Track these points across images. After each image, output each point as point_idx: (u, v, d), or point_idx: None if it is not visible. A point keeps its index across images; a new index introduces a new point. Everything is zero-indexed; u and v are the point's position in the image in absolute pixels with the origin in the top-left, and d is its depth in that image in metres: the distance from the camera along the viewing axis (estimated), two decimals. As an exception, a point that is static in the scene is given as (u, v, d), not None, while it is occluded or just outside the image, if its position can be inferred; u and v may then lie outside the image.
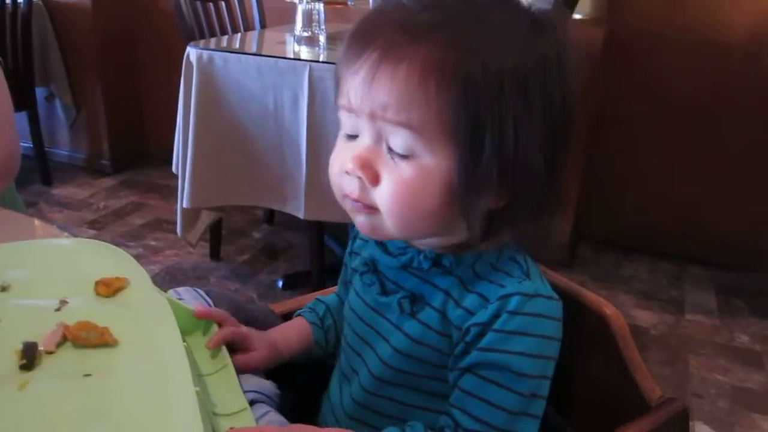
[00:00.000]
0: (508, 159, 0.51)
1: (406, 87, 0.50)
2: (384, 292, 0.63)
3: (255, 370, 0.65)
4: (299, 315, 0.76)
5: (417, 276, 0.61)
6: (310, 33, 1.97)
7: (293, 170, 1.86)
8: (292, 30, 2.14)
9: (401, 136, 0.52)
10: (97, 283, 0.58)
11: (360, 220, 0.58)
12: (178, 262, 2.48)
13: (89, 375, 0.48)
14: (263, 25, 2.63)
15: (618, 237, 2.72)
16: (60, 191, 3.12)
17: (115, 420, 0.44)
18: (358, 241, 0.71)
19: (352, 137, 0.56)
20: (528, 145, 0.52)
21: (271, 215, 2.82)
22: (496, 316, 0.54)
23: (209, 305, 0.70)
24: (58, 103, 3.28)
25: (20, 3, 2.83)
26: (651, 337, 2.17)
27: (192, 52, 1.91)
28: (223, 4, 2.45)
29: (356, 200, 0.56)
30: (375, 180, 0.54)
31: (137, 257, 2.52)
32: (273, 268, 2.48)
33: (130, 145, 3.40)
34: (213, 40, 2.20)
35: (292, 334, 0.72)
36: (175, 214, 2.11)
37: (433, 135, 0.51)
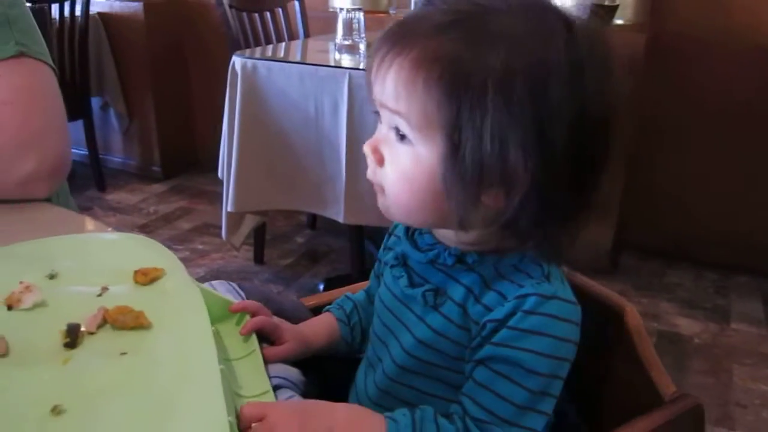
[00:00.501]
0: (488, 157, 0.53)
1: (398, 79, 0.55)
2: (411, 284, 0.66)
3: (284, 361, 0.68)
4: (328, 311, 0.79)
5: (442, 271, 0.64)
6: (350, 41, 2.02)
7: (333, 175, 1.91)
8: (334, 39, 2.19)
9: (402, 123, 0.57)
10: (135, 273, 0.63)
11: (379, 201, 0.63)
12: (223, 265, 2.56)
13: (125, 353, 0.52)
14: (307, 35, 2.69)
15: (662, 245, 2.68)
16: (113, 196, 3.25)
17: (146, 392, 0.48)
18: (392, 238, 0.74)
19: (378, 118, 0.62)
20: (509, 149, 0.52)
21: (313, 220, 2.88)
22: (511, 314, 0.56)
23: (242, 297, 0.74)
24: (112, 111, 3.42)
25: (78, 16, 2.97)
26: (694, 346, 2.14)
27: (237, 61, 1.98)
28: (268, 14, 2.52)
29: (370, 179, 0.62)
30: (381, 161, 0.60)
31: (184, 260, 2.60)
32: (315, 271, 2.53)
33: (180, 152, 3.51)
34: (258, 50, 2.27)
35: (320, 329, 0.76)
36: (221, 218, 2.18)
37: (421, 125, 0.55)
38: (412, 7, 2.62)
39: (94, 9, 3.14)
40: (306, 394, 0.65)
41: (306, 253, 2.69)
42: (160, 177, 3.42)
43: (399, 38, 0.56)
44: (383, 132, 0.60)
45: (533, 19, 0.55)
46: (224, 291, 0.74)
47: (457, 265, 0.62)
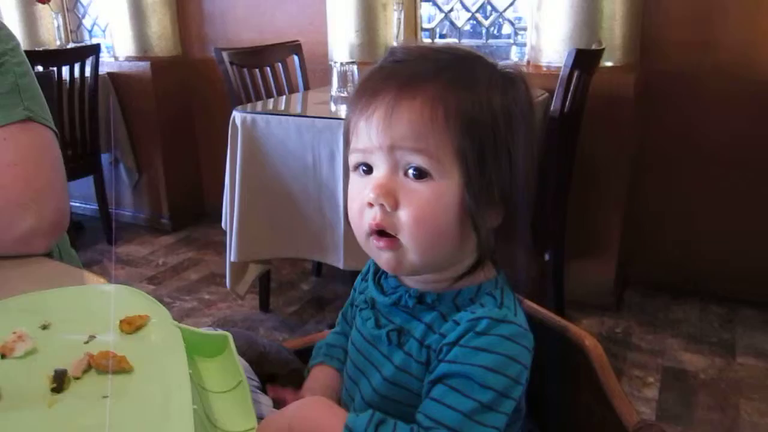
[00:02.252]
0: (506, 177, 0.62)
1: (421, 118, 0.60)
2: (377, 325, 0.70)
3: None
4: (321, 363, 0.80)
5: (405, 312, 0.68)
6: (345, 93, 2.09)
7: (332, 223, 1.96)
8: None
9: (417, 162, 0.60)
10: (121, 322, 0.67)
11: (385, 258, 0.64)
12: (229, 314, 2.59)
13: (106, 396, 0.56)
14: (306, 87, 2.78)
15: (666, 281, 2.69)
16: (123, 249, 3.31)
17: (124, 432, 0.52)
18: (363, 283, 0.78)
19: (368, 173, 0.64)
20: (520, 166, 0.63)
21: (319, 267, 2.92)
22: (463, 334, 0.60)
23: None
24: (122, 167, 3.52)
25: (88, 77, 3.09)
26: (700, 381, 2.13)
27: (237, 116, 2.06)
28: (268, 69, 2.62)
29: (378, 226, 0.62)
30: (395, 205, 0.61)
31: (192, 310, 2.64)
32: (320, 318, 2.55)
33: (188, 204, 3.59)
34: (258, 104, 2.36)
35: (334, 384, 0.78)
36: (225, 268, 2.23)
37: (443, 158, 0.60)
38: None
39: (103, 69, 3.27)
40: None
41: (312, 300, 2.72)
42: (169, 229, 3.49)
43: (404, 83, 0.61)
44: (386, 175, 0.61)
45: (493, 69, 0.65)
46: (210, 336, 0.78)
47: (417, 306, 0.67)
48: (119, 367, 0.59)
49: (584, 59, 2.00)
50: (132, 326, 0.67)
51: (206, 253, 3.22)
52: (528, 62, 2.67)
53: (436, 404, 0.60)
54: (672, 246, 2.67)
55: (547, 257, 2.32)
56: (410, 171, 0.61)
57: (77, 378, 0.59)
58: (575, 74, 1.98)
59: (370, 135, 0.61)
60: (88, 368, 0.60)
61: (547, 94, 2.39)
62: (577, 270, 2.55)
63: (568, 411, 0.74)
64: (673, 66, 2.49)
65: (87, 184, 3.25)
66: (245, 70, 2.46)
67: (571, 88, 1.99)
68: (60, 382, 0.57)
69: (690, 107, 2.50)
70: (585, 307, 2.57)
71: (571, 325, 0.73)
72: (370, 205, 0.62)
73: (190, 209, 3.60)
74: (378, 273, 0.72)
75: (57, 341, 0.65)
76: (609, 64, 2.38)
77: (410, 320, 0.67)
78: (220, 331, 0.67)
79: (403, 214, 0.61)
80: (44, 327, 0.69)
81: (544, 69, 2.52)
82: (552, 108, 1.97)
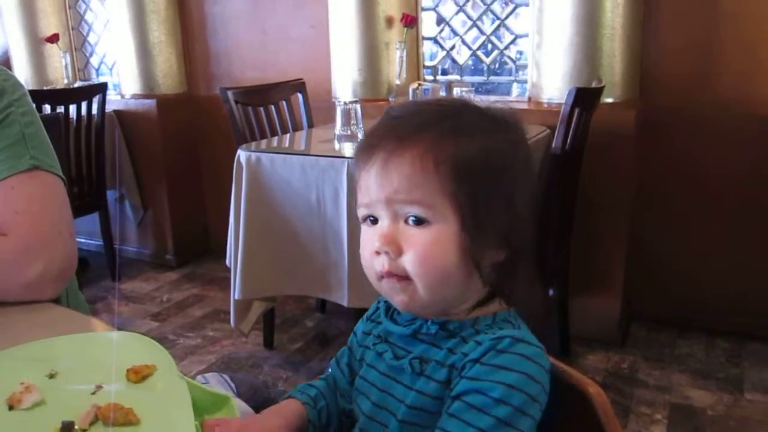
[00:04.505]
0: (503, 217, 0.66)
1: (412, 170, 0.64)
2: (396, 357, 0.72)
3: None
4: (290, 397, 0.80)
5: (424, 341, 0.70)
6: (349, 131, 2.12)
7: (336, 261, 1.96)
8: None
9: (414, 211, 0.65)
10: (128, 371, 0.68)
11: (399, 299, 0.69)
12: (234, 351, 2.58)
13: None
14: (311, 125, 2.81)
15: (672, 316, 2.68)
16: (127, 285, 3.32)
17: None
18: (368, 323, 0.80)
19: (374, 224, 0.69)
20: (518, 205, 0.66)
21: (323, 304, 2.92)
22: (486, 352, 0.63)
23: (232, 388, 0.78)
24: (127, 203, 3.54)
25: (94, 115, 3.13)
26: (708, 418, 2.11)
27: (242, 154, 2.08)
28: (273, 107, 2.65)
29: (389, 273, 0.67)
30: (399, 252, 0.66)
31: (195, 347, 2.63)
32: (324, 355, 2.54)
33: (193, 241, 3.61)
34: (263, 142, 2.38)
35: (291, 415, 0.76)
36: (230, 305, 2.23)
37: (438, 204, 0.64)
38: (410, 96, 2.75)
39: (110, 107, 3.31)
40: None
41: (316, 336, 2.71)
42: (174, 265, 3.50)
43: (397, 139, 0.66)
44: (389, 225, 0.67)
45: (483, 115, 0.69)
46: (215, 383, 0.78)
47: (439, 333, 0.69)
48: (126, 419, 0.59)
49: (585, 97, 2.03)
50: (138, 375, 0.67)
51: (211, 289, 3.23)
52: (529, 99, 2.71)
53: (454, 420, 0.62)
54: (677, 281, 2.66)
55: (551, 293, 2.32)
56: (410, 219, 0.65)
57: (84, 430, 0.59)
58: (576, 112, 2.00)
59: (369, 189, 0.68)
60: (95, 420, 0.60)
61: (548, 131, 2.42)
62: (582, 305, 2.55)
63: (574, 459, 0.74)
64: (672, 101, 2.52)
65: (92, 220, 3.28)
66: (250, 108, 2.50)
67: (572, 125, 2.01)
68: (68, 432, 0.58)
69: (690, 141, 2.52)
70: (590, 342, 2.56)
71: (574, 372, 0.73)
72: (378, 253, 0.67)
73: (195, 245, 3.61)
74: (390, 310, 0.74)
75: (64, 391, 0.66)
76: (609, 100, 2.41)
77: (430, 348, 0.69)
78: (222, 392, 0.68)
79: (408, 258, 0.65)
80: (51, 376, 0.69)
81: (545, 105, 2.55)
82: (554, 145, 1.98)
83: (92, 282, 3.30)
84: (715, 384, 2.29)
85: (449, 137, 0.65)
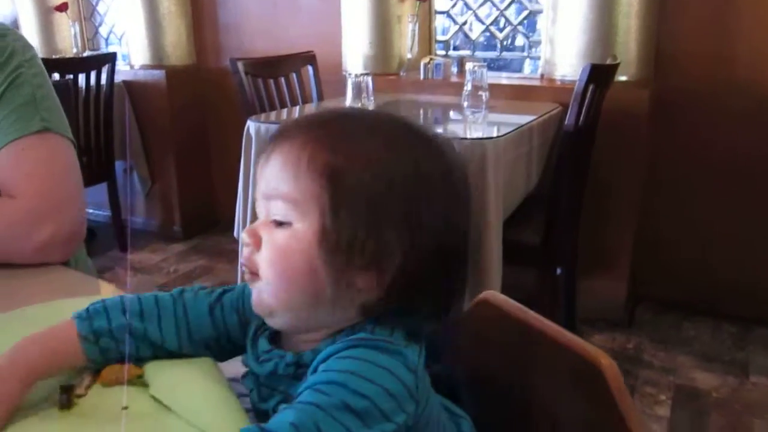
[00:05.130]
0: (360, 240, 0.57)
1: (285, 162, 0.59)
2: (261, 398, 0.64)
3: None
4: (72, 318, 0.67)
5: (287, 377, 0.62)
6: (359, 105, 2.10)
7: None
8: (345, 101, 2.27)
9: (279, 207, 0.59)
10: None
11: (253, 295, 0.62)
12: (239, 323, 2.59)
13: (126, 408, 0.57)
14: (321, 98, 2.79)
15: (679, 298, 2.66)
16: (134, 256, 3.33)
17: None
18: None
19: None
20: (381, 235, 0.57)
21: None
22: (325, 358, 0.56)
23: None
24: (135, 175, 3.54)
25: (103, 85, 3.11)
26: (712, 400, 2.10)
27: (251, 126, 2.07)
28: (282, 79, 2.63)
29: (244, 263, 0.62)
30: (258, 245, 0.60)
31: (201, 318, 2.61)
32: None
33: (200, 212, 3.60)
34: (272, 114, 2.37)
35: (44, 351, 0.62)
36: (237, 277, 2.23)
37: (301, 202, 0.58)
38: (421, 69, 2.72)
39: (119, 77, 3.29)
40: None
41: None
42: (181, 237, 3.50)
43: (281, 136, 0.61)
44: (263, 221, 0.61)
45: (397, 124, 0.63)
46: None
47: (297, 371, 0.61)
48: (132, 374, 0.59)
49: (599, 74, 2.00)
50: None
51: (218, 261, 3.23)
52: (542, 75, 2.68)
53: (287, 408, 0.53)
54: (685, 263, 2.65)
55: (558, 272, 2.31)
56: (274, 217, 0.60)
57: (81, 395, 0.59)
58: (590, 89, 1.98)
59: (257, 186, 0.64)
60: (92, 383, 0.60)
61: (560, 108, 2.40)
62: (589, 286, 2.54)
63: (583, 432, 0.73)
64: (687, 81, 2.48)
65: (100, 191, 3.28)
66: (260, 80, 2.48)
67: (586, 102, 1.98)
68: (68, 397, 0.57)
69: (704, 123, 2.49)
70: (596, 323, 2.55)
71: (586, 344, 0.72)
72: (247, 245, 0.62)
73: (203, 217, 3.61)
74: (257, 332, 0.66)
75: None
76: (623, 79, 2.37)
77: (294, 384, 0.60)
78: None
79: (262, 255, 0.60)
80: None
81: (558, 83, 2.53)
82: (566, 122, 1.96)
83: (99, 252, 3.31)
84: (720, 367, 2.29)
85: (335, 139, 0.60)
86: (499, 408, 0.82)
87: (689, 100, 2.49)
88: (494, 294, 0.86)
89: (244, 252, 0.62)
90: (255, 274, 0.61)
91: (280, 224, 0.59)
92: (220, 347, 0.69)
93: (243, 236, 0.62)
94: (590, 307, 2.53)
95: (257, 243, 0.60)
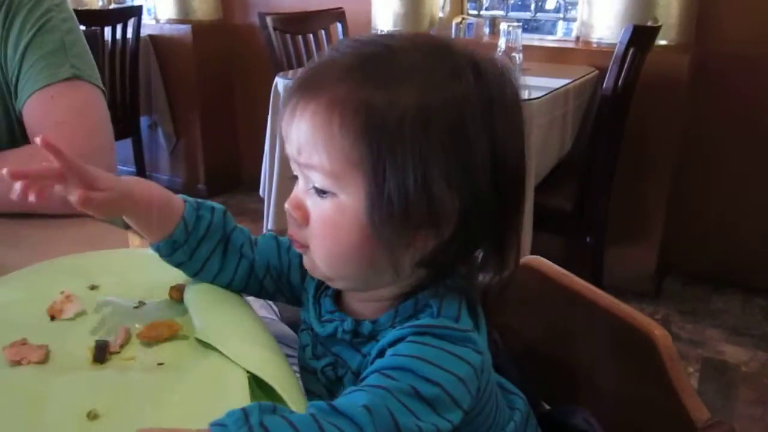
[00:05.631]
0: (414, 193, 0.52)
1: (312, 129, 0.53)
2: (315, 356, 0.63)
3: (96, 210, 0.60)
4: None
5: (344, 341, 0.60)
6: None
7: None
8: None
9: (318, 178, 0.54)
10: (171, 288, 0.65)
11: (304, 261, 0.60)
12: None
13: (162, 363, 0.55)
14: (349, 56, 2.73)
15: (709, 270, 2.61)
16: (159, 213, 3.33)
17: (178, 402, 0.50)
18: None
19: (296, 178, 0.58)
20: (433, 185, 0.52)
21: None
22: (386, 346, 0.53)
23: (275, 312, 0.75)
24: (160, 131, 3.52)
25: (129, 39, 3.08)
26: (741, 374, 2.07)
27: (279, 82, 2.02)
28: (311, 36, 2.58)
29: (292, 238, 0.58)
30: (306, 220, 0.56)
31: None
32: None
33: (225, 171, 3.59)
34: (300, 71, 2.32)
35: (155, 191, 0.64)
36: (261, 235, 2.21)
37: (341, 172, 0.53)
38: (453, 29, 2.65)
39: (144, 32, 3.25)
40: None
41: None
42: (205, 195, 3.49)
43: (307, 87, 0.54)
44: (302, 187, 0.56)
45: (440, 57, 0.55)
46: (258, 307, 0.76)
47: (354, 339, 0.59)
48: (171, 332, 0.57)
49: (640, 36, 1.93)
50: (181, 293, 0.65)
51: (242, 220, 3.15)
52: (577, 38, 2.60)
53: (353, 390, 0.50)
54: (716, 235, 2.59)
55: (588, 240, 2.27)
56: (316, 186, 0.54)
57: (116, 352, 0.57)
58: (630, 52, 1.91)
59: (285, 140, 0.57)
60: (126, 341, 0.58)
61: (596, 72, 2.33)
62: (617, 255, 2.49)
63: (631, 405, 0.70)
64: (731, 47, 2.39)
65: (125, 146, 3.27)
66: (288, 36, 2.43)
67: (626, 66, 1.91)
68: (102, 353, 0.55)
69: (747, 91, 2.40)
70: (623, 293, 2.51)
71: (638, 313, 0.68)
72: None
73: (227, 176, 3.59)
74: (319, 290, 0.64)
75: (106, 304, 0.64)
76: (663, 43, 2.29)
77: (347, 349, 0.60)
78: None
79: (312, 229, 0.56)
80: (92, 288, 0.67)
81: (594, 45, 2.45)
82: (604, 86, 1.90)
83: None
84: (750, 341, 2.25)
85: (365, 88, 0.52)
86: (542, 376, 0.80)
87: (731, 66, 2.40)
88: (537, 258, 0.82)
89: (290, 225, 0.58)
90: (305, 247, 0.57)
91: (322, 192, 0.54)
92: (276, 284, 0.67)
93: (288, 209, 0.57)
94: (618, 277, 2.48)
95: (304, 218, 0.56)
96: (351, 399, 0.48)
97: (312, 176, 0.54)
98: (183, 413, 0.49)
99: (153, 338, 0.57)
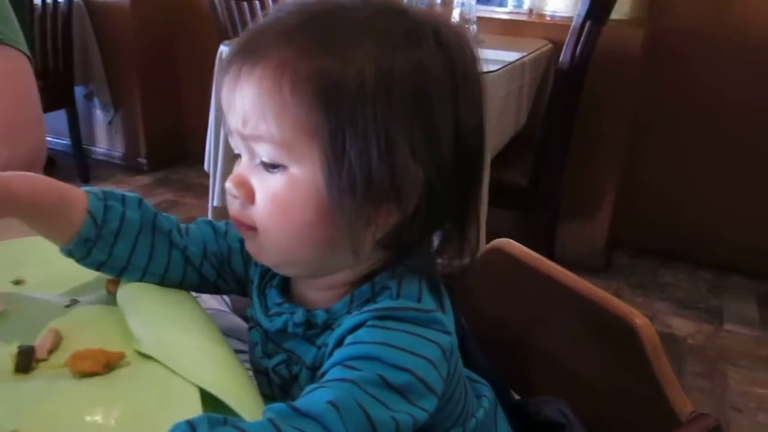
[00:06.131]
0: (375, 166, 0.47)
1: (260, 95, 0.47)
2: (265, 354, 0.57)
3: None
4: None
5: (296, 335, 0.54)
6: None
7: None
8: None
9: (266, 150, 0.48)
10: (108, 281, 0.58)
11: (248, 245, 0.54)
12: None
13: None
14: (298, 25, 2.63)
15: (656, 244, 2.65)
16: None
17: (119, 413, 0.43)
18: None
19: (239, 156, 0.53)
20: (396, 153, 0.47)
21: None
22: (345, 333, 0.48)
23: (226, 303, 0.69)
24: (96, 101, 3.34)
25: (60, 2, 2.89)
26: (688, 346, 2.11)
27: (224, 51, 1.92)
28: (257, 3, 2.46)
29: (236, 219, 0.52)
30: (251, 197, 0.50)
31: (169, 254, 2.52)
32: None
33: (167, 143, 3.43)
34: (242, 34, 2.21)
35: (44, 184, 0.54)
36: (208, 213, 2.12)
37: (294, 142, 0.47)
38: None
39: (77, -6, 3.06)
40: None
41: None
42: (146, 169, 3.34)
43: (250, 49, 0.49)
44: (247, 163, 0.51)
45: (396, 17, 0.50)
46: (208, 297, 0.69)
47: (308, 332, 0.53)
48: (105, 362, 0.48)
49: (597, 9, 1.90)
50: (118, 285, 0.57)
51: (185, 195, 3.10)
52: (530, 11, 2.56)
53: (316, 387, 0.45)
54: (663, 209, 2.62)
55: (542, 216, 2.26)
56: (263, 159, 0.49)
57: (44, 360, 0.49)
58: (587, 25, 1.87)
59: (226, 112, 0.51)
60: (56, 346, 0.50)
61: (550, 45, 2.29)
62: (569, 230, 2.50)
63: (609, 396, 0.67)
64: (683, 23, 2.39)
65: (59, 117, 3.09)
66: (233, 2, 2.31)
67: (581, 39, 1.88)
68: (27, 361, 0.48)
69: (698, 67, 2.41)
70: (575, 268, 2.47)
71: (618, 301, 0.65)
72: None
73: (169, 149, 3.44)
74: (263, 280, 0.59)
75: (33, 302, 0.56)
76: (616, 17, 2.26)
77: (301, 344, 0.54)
78: None
79: (258, 208, 0.50)
80: (17, 282, 0.59)
81: (548, 18, 2.42)
82: (561, 59, 1.87)
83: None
84: (696, 314, 2.29)
85: (320, 49, 0.47)
86: (512, 365, 0.76)
87: (683, 43, 2.40)
88: (508, 242, 0.78)
89: (233, 205, 0.52)
90: (252, 229, 0.51)
91: (271, 167, 0.49)
92: (218, 272, 0.60)
93: (229, 186, 0.51)
94: (569, 252, 2.49)
95: (249, 196, 0.50)
96: (313, 397, 0.43)
97: (259, 149, 0.49)
98: (124, 430, 0.43)
99: (86, 371, 0.47)
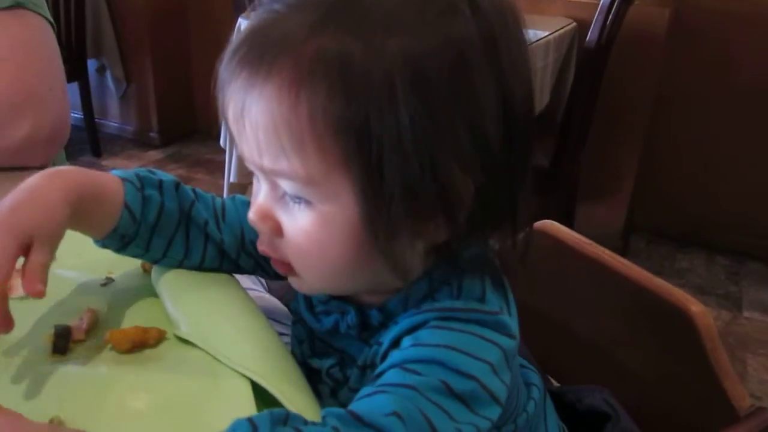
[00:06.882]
0: (419, 189, 0.41)
1: (272, 120, 0.40)
2: (314, 353, 0.54)
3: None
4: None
5: (349, 336, 0.51)
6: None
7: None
8: None
9: (289, 185, 0.43)
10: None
11: (291, 281, 0.49)
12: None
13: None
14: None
15: (674, 229, 2.61)
16: (109, 162, 3.15)
17: (162, 397, 0.40)
18: None
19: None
20: (441, 169, 0.41)
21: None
22: (400, 335, 0.45)
23: (261, 283, 0.66)
24: (109, 75, 3.30)
25: (74, -27, 2.84)
26: (706, 333, 2.08)
27: (242, 24, 1.88)
28: (275, -24, 2.41)
29: (265, 254, 0.47)
30: (278, 232, 0.45)
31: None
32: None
33: (179, 118, 3.40)
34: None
35: (77, 182, 0.51)
36: (222, 188, 2.10)
37: (322, 178, 0.41)
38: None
39: (90, -36, 3.01)
40: None
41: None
42: (158, 144, 3.31)
43: (255, 60, 0.41)
44: (267, 191, 0.45)
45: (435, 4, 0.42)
46: (242, 278, 0.66)
47: (363, 333, 0.50)
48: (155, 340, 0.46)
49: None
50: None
51: (197, 171, 3.07)
52: (554, -12, 2.50)
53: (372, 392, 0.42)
54: (682, 193, 2.58)
55: (561, 197, 2.22)
56: (287, 191, 0.43)
57: (80, 341, 0.46)
58: (615, 3, 1.82)
59: (236, 140, 0.45)
60: (93, 325, 0.47)
61: (574, 24, 2.24)
62: (587, 212, 2.46)
63: (661, 387, 0.64)
64: (713, 2, 2.33)
65: (71, 90, 3.02)
66: (250, -25, 2.26)
67: (610, 17, 1.83)
68: (65, 342, 0.45)
69: (723, 47, 2.35)
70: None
71: (675, 288, 0.62)
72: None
73: (182, 124, 3.41)
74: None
75: (66, 280, 0.53)
76: (641, -5, 2.21)
77: (354, 343, 0.51)
78: None
79: (289, 244, 0.45)
80: (48, 259, 0.56)
81: (572, -4, 2.36)
82: (588, 38, 1.82)
83: (71, 157, 3.10)
84: (714, 300, 2.26)
85: (334, 45, 0.39)
86: (552, 352, 0.73)
87: (709, 21, 2.34)
88: (552, 224, 0.76)
89: (261, 236, 0.47)
90: (288, 267, 0.46)
91: (297, 198, 0.43)
92: (256, 261, 0.56)
93: (253, 220, 0.45)
94: (585, 234, 2.43)
95: (276, 230, 0.45)
96: (374, 404, 0.40)
97: (281, 183, 0.43)
98: (170, 419, 0.40)
99: (129, 348, 0.45)
